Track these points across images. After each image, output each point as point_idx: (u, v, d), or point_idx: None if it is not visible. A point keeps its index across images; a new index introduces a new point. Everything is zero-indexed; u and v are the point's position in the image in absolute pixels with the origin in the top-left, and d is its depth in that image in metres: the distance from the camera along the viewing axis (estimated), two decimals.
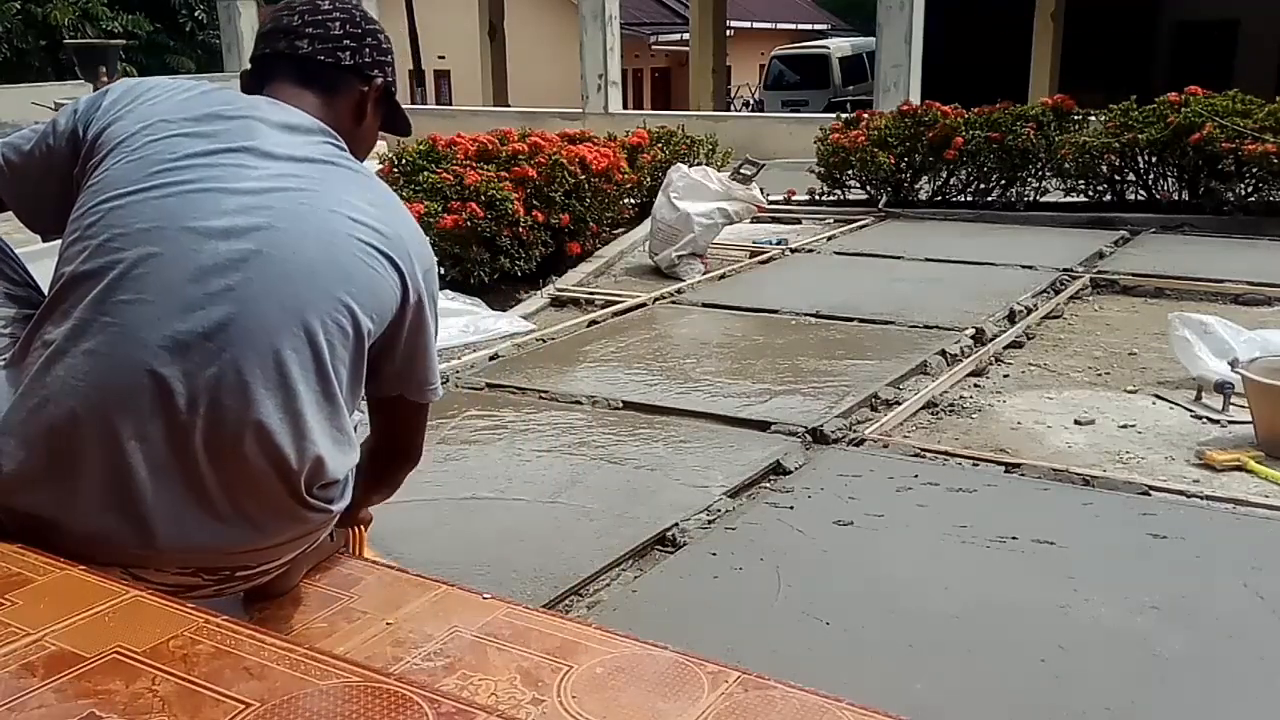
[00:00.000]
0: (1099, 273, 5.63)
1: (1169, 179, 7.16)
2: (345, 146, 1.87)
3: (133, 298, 1.65)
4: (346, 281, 1.72)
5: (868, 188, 7.92)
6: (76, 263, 1.69)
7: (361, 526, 2.27)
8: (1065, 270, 5.65)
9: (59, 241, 1.78)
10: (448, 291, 5.48)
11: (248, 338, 1.65)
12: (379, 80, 1.93)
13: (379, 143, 2.27)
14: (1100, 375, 4.06)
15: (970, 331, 4.50)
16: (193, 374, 1.63)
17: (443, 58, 23.46)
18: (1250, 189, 6.81)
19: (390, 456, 2.05)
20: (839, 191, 8.08)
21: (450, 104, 21.67)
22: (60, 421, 1.63)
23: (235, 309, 1.65)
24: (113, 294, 1.65)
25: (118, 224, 1.69)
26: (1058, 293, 5.29)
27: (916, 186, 7.90)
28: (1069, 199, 7.55)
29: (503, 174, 5.83)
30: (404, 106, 2.16)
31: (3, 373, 1.73)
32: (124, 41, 16.37)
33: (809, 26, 29.75)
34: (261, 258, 1.67)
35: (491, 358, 4.39)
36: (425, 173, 5.81)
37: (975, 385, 3.98)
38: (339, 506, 1.81)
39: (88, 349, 1.64)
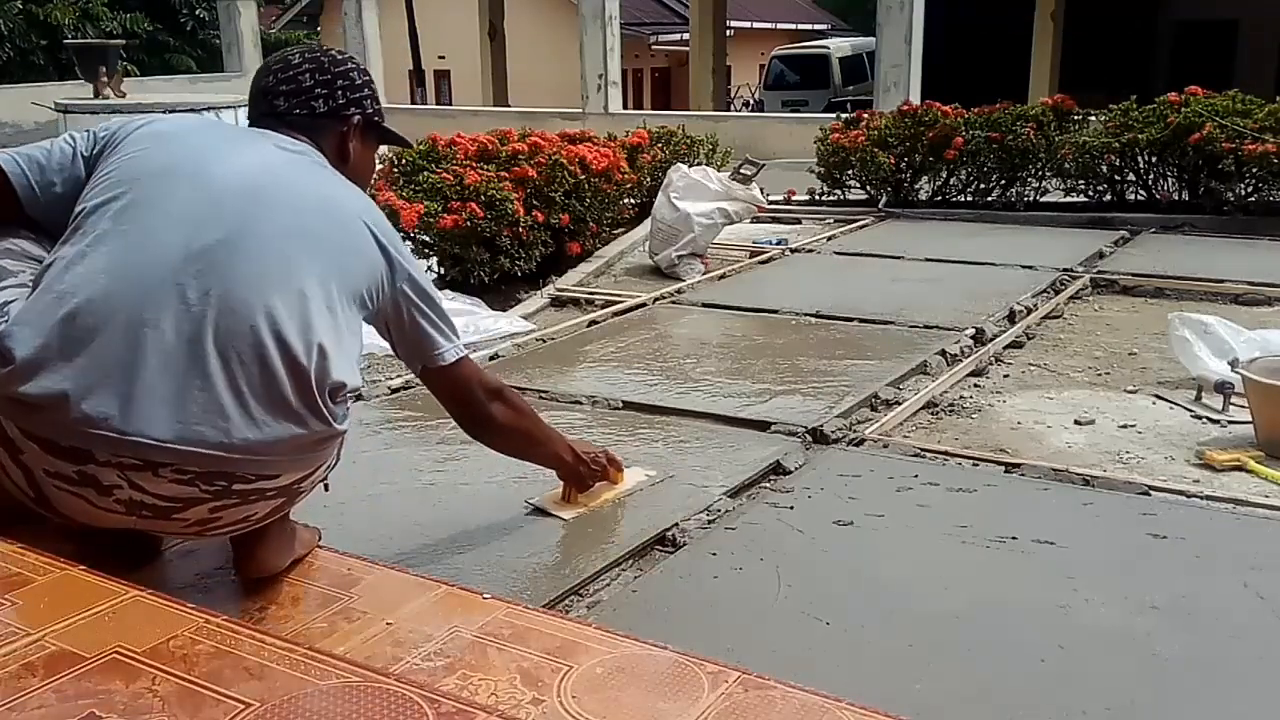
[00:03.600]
0: (1099, 273, 5.63)
1: (1169, 179, 7.16)
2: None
3: (151, 211, 1.85)
4: (339, 243, 1.96)
5: (868, 188, 7.92)
6: (94, 199, 1.87)
7: (573, 484, 2.70)
8: (1065, 270, 5.65)
9: None
10: (448, 291, 5.48)
11: (260, 244, 1.86)
12: (356, 118, 2.14)
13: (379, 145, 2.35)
14: (1100, 375, 4.06)
15: (970, 331, 4.50)
16: (205, 272, 1.80)
17: (443, 58, 23.45)
18: (1250, 189, 6.81)
19: (471, 422, 2.36)
20: (839, 191, 8.08)
21: (450, 104, 21.66)
22: (76, 309, 1.75)
23: (248, 223, 1.87)
24: (131, 209, 1.85)
25: (135, 165, 1.91)
26: (1058, 293, 5.29)
27: (916, 186, 7.90)
28: (1069, 199, 7.55)
29: (503, 174, 5.83)
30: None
31: (22, 301, 1.83)
32: (124, 41, 16.35)
33: (809, 26, 29.74)
34: (270, 193, 1.92)
35: (491, 358, 4.39)
36: (425, 173, 5.81)
37: (975, 385, 3.98)
38: (340, 427, 1.91)
39: (106, 250, 1.81)
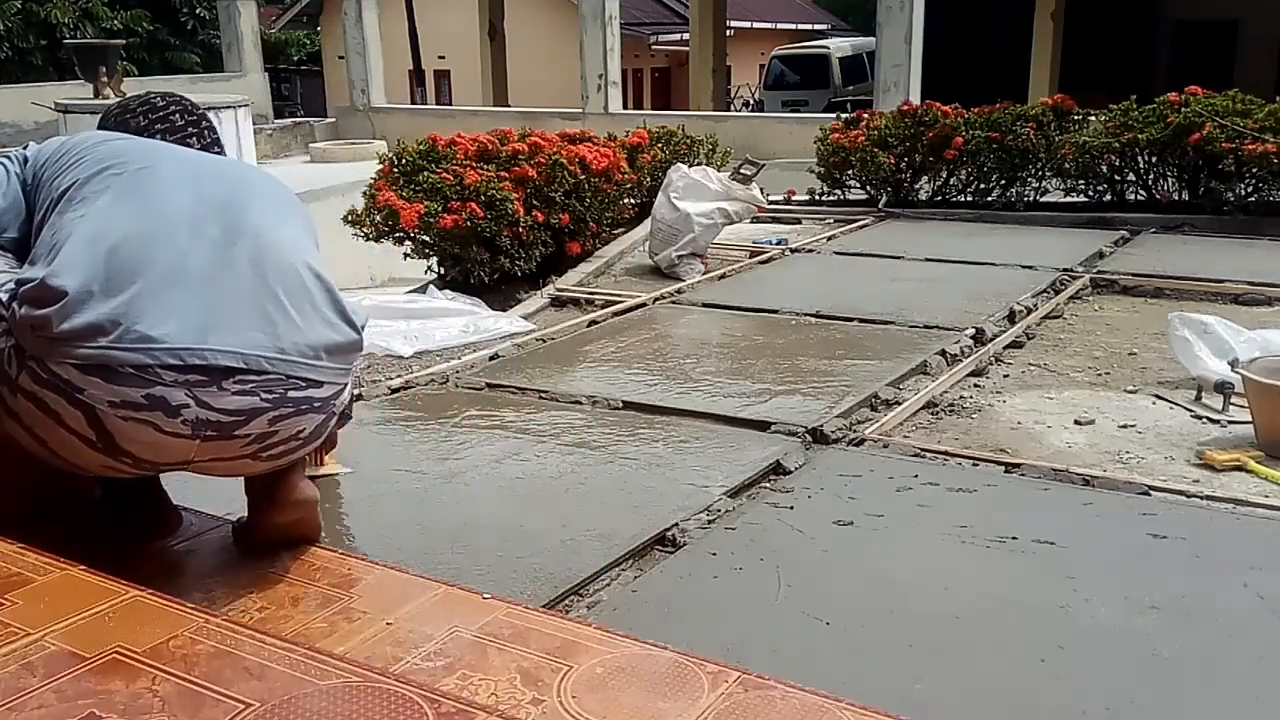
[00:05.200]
0: (1099, 273, 5.62)
1: (1169, 179, 7.16)
2: None
3: (151, 175, 2.01)
4: (301, 210, 2.19)
5: (868, 188, 7.92)
6: (81, 174, 1.99)
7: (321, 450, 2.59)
8: (1065, 270, 5.65)
9: None
10: (447, 291, 5.48)
11: (256, 197, 2.08)
12: (221, 155, 2.37)
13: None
14: (1100, 375, 4.06)
15: (970, 331, 4.50)
16: (220, 212, 1.99)
17: (443, 58, 23.44)
18: (1250, 189, 6.81)
19: None
20: (839, 191, 8.08)
21: (450, 104, 21.64)
22: (115, 244, 1.88)
23: (239, 184, 2.09)
24: (131, 176, 1.99)
25: (110, 150, 2.06)
26: (1058, 293, 5.29)
27: (916, 186, 7.89)
28: (1069, 199, 7.55)
29: (503, 174, 5.82)
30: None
31: (15, 275, 1.93)
32: (124, 41, 16.34)
33: (809, 26, 29.74)
34: (236, 168, 2.17)
35: (491, 358, 4.39)
36: (425, 173, 5.81)
37: (975, 385, 3.98)
38: (360, 336, 2.07)
39: (125, 203, 1.95)
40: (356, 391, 2.21)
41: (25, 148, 2.17)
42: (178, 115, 2.31)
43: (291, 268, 1.99)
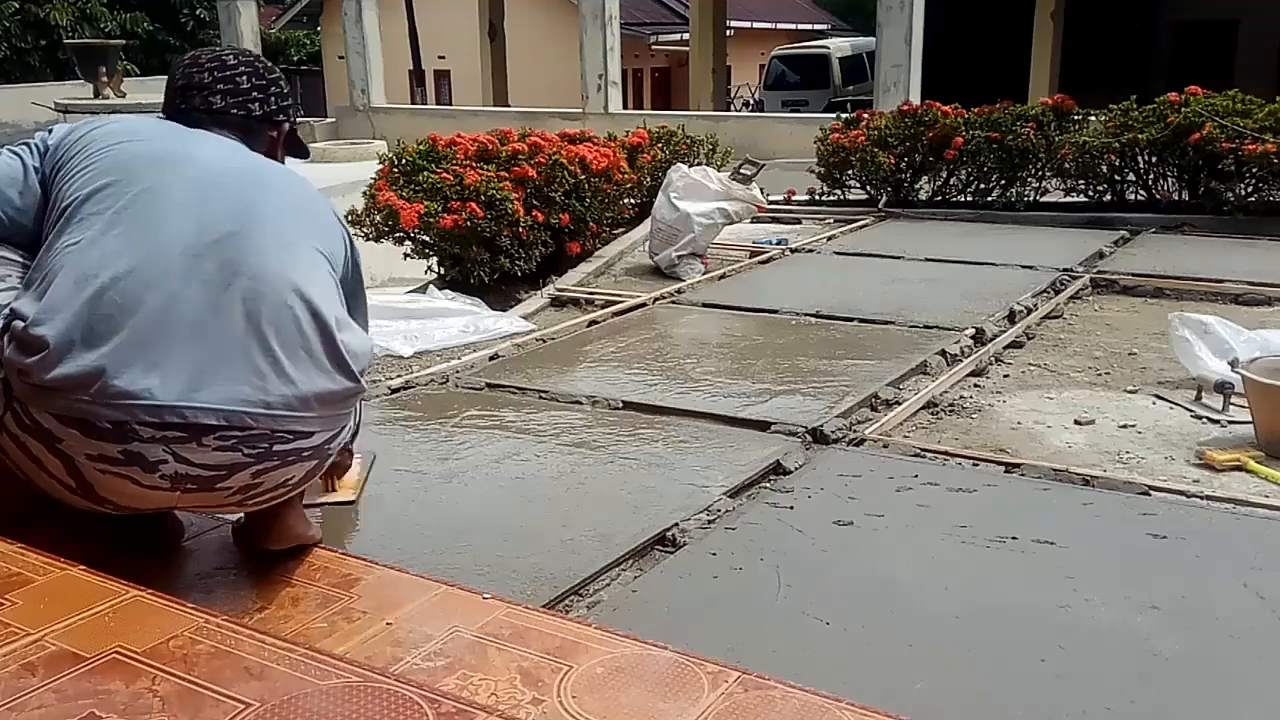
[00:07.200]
0: (1099, 273, 5.62)
1: (1169, 179, 7.16)
2: None
3: (155, 195, 1.90)
4: (324, 220, 2.08)
5: (868, 188, 7.92)
6: (83, 190, 1.91)
7: (332, 474, 2.57)
8: (1065, 270, 5.65)
9: None
10: (447, 291, 5.48)
11: (266, 217, 1.95)
12: (285, 124, 2.24)
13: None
14: (1100, 375, 4.06)
15: (970, 331, 4.50)
16: (222, 243, 1.87)
17: (443, 58, 23.43)
18: (1250, 189, 6.81)
19: None
20: (839, 191, 8.08)
21: (450, 104, 21.64)
22: (102, 288, 1.79)
23: (251, 200, 1.96)
24: (134, 195, 1.89)
25: (119, 155, 1.96)
26: (1058, 293, 5.29)
27: (916, 186, 7.89)
28: (1069, 199, 7.55)
29: (503, 174, 5.82)
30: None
31: (14, 298, 1.87)
32: (124, 41, 16.36)
33: (809, 26, 29.73)
34: (258, 174, 2.01)
35: (491, 358, 4.39)
36: (425, 173, 5.81)
37: (975, 385, 3.98)
38: (362, 383, 1.98)
39: (120, 233, 1.85)
40: (371, 350, 2.19)
41: (49, 134, 2.08)
42: (244, 78, 2.15)
43: (288, 310, 1.85)
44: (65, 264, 1.81)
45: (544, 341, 4.66)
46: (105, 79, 10.29)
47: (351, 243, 2.16)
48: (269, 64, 2.25)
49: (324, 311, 1.89)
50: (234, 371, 1.79)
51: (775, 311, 5.00)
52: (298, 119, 2.31)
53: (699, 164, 7.06)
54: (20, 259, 1.98)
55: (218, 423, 1.75)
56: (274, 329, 1.83)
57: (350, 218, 5.75)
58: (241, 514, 2.19)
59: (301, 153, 2.39)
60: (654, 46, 25.37)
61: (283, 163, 2.25)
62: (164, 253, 1.83)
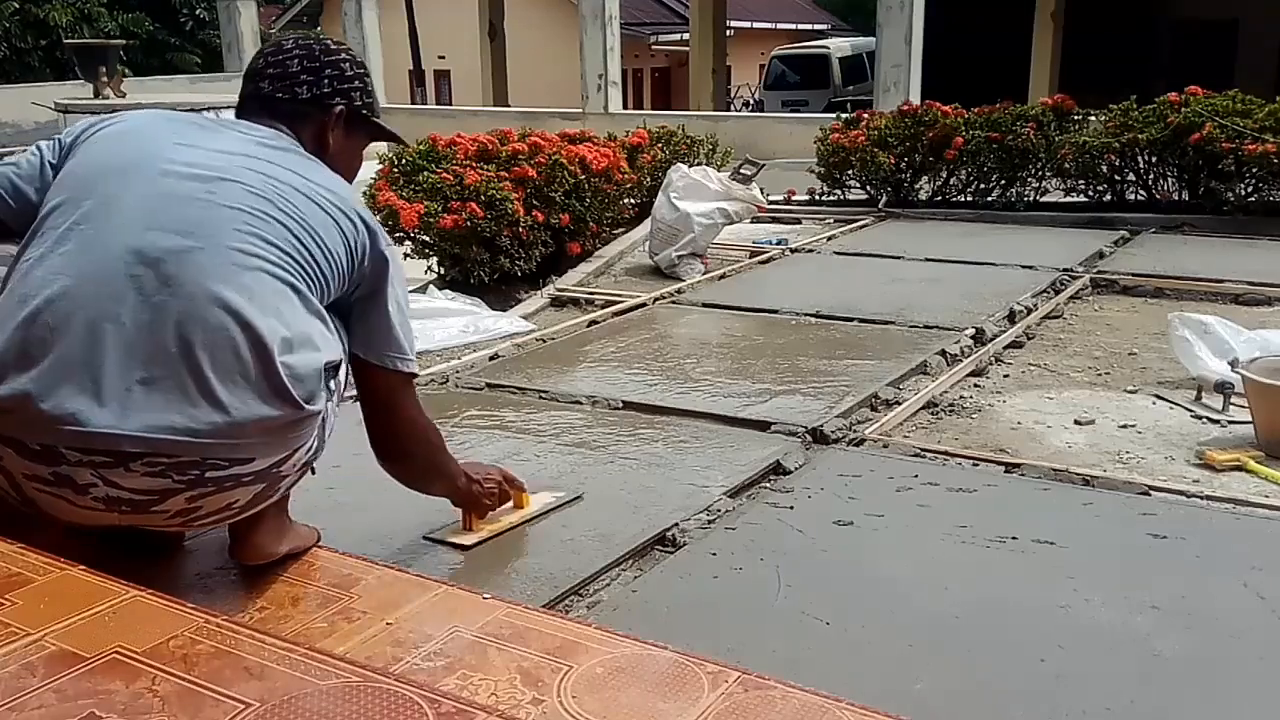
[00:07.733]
0: (1099, 273, 5.62)
1: (1169, 179, 7.16)
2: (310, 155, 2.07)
3: (105, 208, 1.84)
4: (308, 220, 1.93)
5: (868, 188, 7.92)
6: (51, 202, 1.89)
7: (471, 510, 2.52)
8: (1065, 270, 5.65)
9: None
10: (447, 291, 5.48)
11: (216, 228, 1.84)
12: (339, 107, 2.13)
13: (378, 142, 2.35)
14: (1100, 375, 4.06)
15: (970, 331, 4.50)
16: (163, 260, 1.79)
17: (443, 58, 23.45)
18: (1250, 189, 6.81)
19: (391, 439, 2.20)
20: (839, 191, 8.08)
21: (450, 104, 21.65)
22: (37, 310, 1.76)
23: (203, 211, 1.85)
24: (87, 209, 1.85)
25: (90, 165, 1.93)
26: (1058, 293, 5.29)
27: (916, 186, 7.89)
28: (1069, 199, 7.55)
29: (503, 174, 5.83)
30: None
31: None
32: (124, 41, 16.36)
33: (809, 26, 29.75)
34: (227, 178, 1.90)
35: (491, 358, 4.39)
36: (425, 173, 5.81)
37: (975, 385, 3.98)
38: (311, 408, 1.85)
39: (65, 250, 1.81)
40: (349, 394, 2.14)
41: (64, 132, 2.06)
42: (296, 61, 2.09)
43: (224, 334, 1.75)
44: (14, 282, 1.80)
45: (544, 341, 4.66)
46: (105, 79, 10.28)
47: (373, 245, 2.01)
48: (333, 46, 2.15)
49: (265, 335, 1.78)
50: (163, 398, 1.72)
51: (775, 311, 5.00)
52: (367, 101, 2.17)
53: (699, 164, 7.06)
54: None
55: (143, 450, 1.70)
56: (208, 353, 1.74)
57: None
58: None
59: (387, 136, 2.28)
60: (654, 46, 25.39)
61: (330, 147, 2.13)
62: (103, 273, 1.77)
